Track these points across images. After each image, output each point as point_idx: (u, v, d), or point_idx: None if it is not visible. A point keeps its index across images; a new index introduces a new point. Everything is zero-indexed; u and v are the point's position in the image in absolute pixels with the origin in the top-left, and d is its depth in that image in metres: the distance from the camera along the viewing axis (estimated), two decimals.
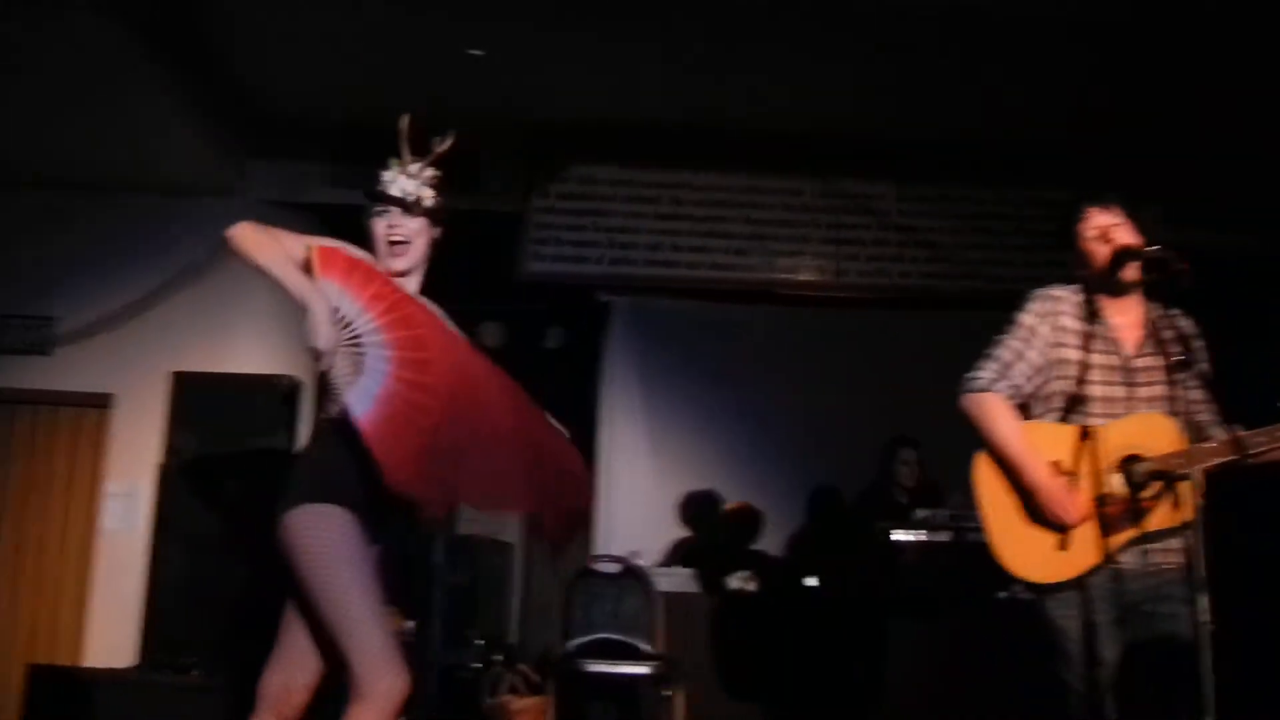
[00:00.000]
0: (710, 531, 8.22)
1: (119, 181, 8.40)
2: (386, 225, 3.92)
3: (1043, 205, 8.57)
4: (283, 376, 7.92)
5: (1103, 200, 4.17)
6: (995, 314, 4.33)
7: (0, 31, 6.54)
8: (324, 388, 3.85)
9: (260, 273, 3.56)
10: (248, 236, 3.61)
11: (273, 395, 7.81)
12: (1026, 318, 4.19)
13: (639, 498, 8.45)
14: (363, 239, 3.95)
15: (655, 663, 6.90)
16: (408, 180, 3.98)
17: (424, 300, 3.99)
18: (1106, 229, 4.11)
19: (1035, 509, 3.95)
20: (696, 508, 8.39)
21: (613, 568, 7.35)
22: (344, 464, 3.67)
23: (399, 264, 3.93)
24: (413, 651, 6.98)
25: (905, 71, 7.38)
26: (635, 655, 7.00)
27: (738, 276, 8.70)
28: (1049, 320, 4.15)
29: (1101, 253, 4.10)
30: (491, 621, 7.93)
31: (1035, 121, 7.88)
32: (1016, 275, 8.29)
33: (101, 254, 8.46)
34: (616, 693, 7.16)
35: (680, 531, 8.38)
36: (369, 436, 3.48)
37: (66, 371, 8.43)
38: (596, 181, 8.75)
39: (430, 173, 4.04)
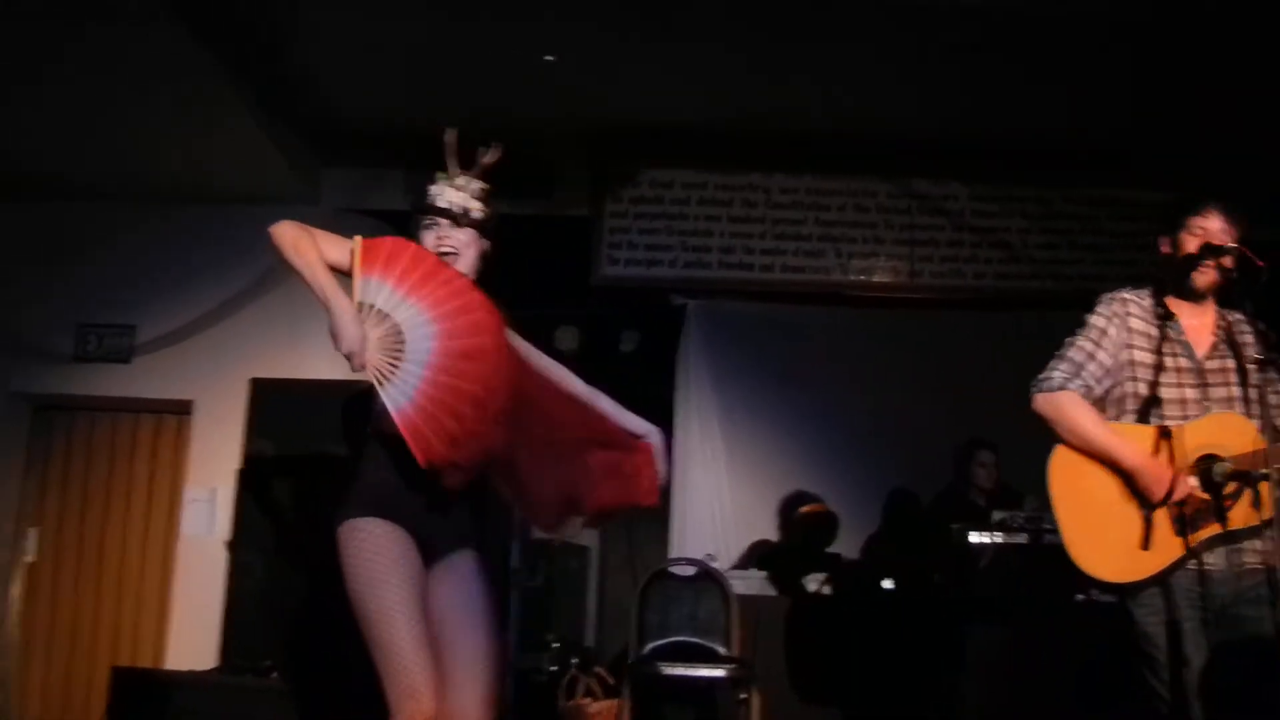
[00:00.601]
0: (786, 534, 8.19)
1: (196, 192, 8.50)
2: (436, 237, 3.95)
3: (1116, 205, 8.54)
4: (360, 381, 7.95)
5: (1230, 212, 4.12)
6: (1070, 314, 4.32)
7: (81, 45, 6.64)
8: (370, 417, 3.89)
9: (292, 271, 3.61)
10: (286, 235, 3.65)
11: (350, 400, 7.86)
12: (1097, 319, 4.18)
13: (714, 500, 8.41)
14: None
15: (732, 666, 6.88)
16: (455, 192, 4.00)
17: None
18: (1212, 234, 4.06)
19: (1117, 504, 3.93)
20: (772, 510, 8.35)
21: (689, 570, 7.35)
22: (389, 474, 3.72)
23: None
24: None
25: (973, 71, 7.32)
26: (712, 658, 6.99)
27: (812, 279, 8.66)
28: (1119, 322, 4.13)
29: (1188, 247, 4.07)
30: (568, 624, 7.94)
31: (1106, 120, 7.82)
32: (1088, 274, 8.24)
33: (180, 263, 8.57)
34: (692, 696, 7.15)
35: (755, 534, 8.35)
36: (404, 429, 3.49)
37: (147, 379, 8.55)
38: (669, 185, 8.75)
39: (478, 185, 4.05)
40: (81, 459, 8.81)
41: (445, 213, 3.96)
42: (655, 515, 8.02)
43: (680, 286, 8.72)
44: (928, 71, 7.37)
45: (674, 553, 7.97)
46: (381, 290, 3.62)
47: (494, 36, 7.08)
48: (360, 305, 3.61)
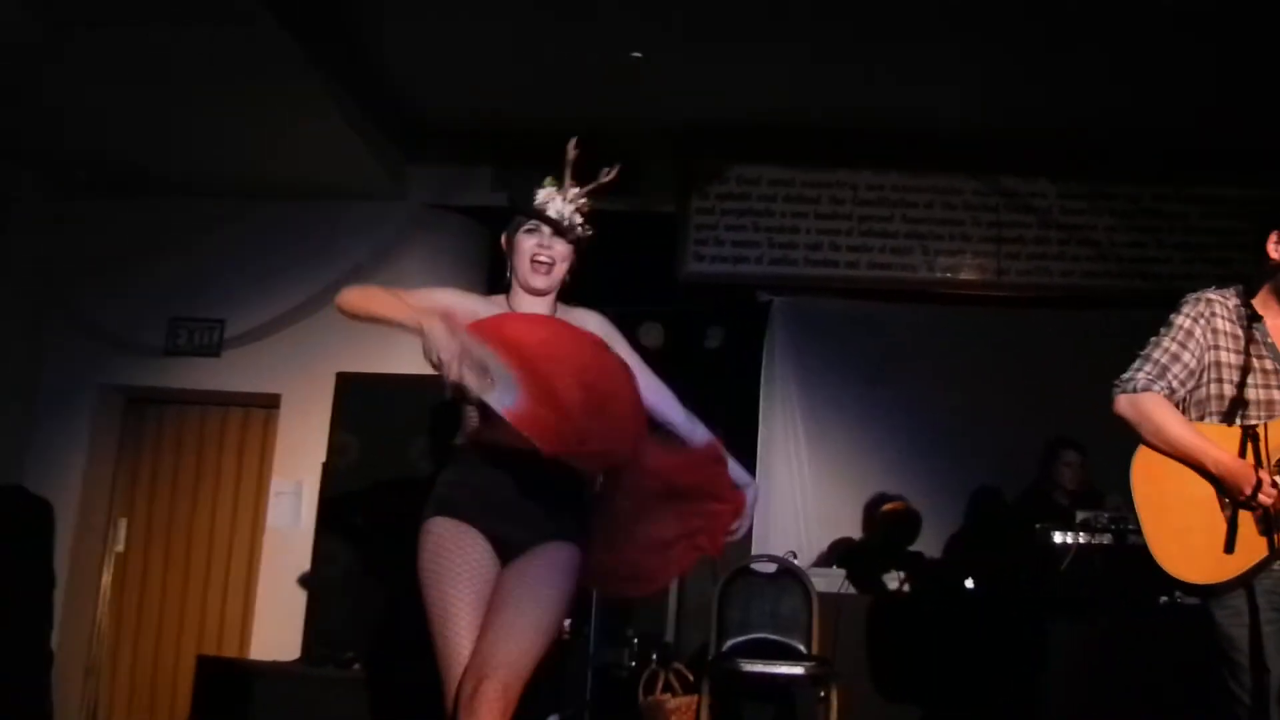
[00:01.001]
0: (868, 532, 8.17)
1: (284, 188, 8.58)
2: (536, 243, 3.91)
3: (1205, 203, 8.43)
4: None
5: None
6: (1158, 313, 4.25)
7: (176, 45, 6.73)
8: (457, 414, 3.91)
9: (375, 322, 3.69)
10: (350, 296, 3.77)
11: (434, 394, 7.90)
12: (1182, 320, 4.09)
13: (796, 497, 8.43)
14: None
15: (812, 664, 6.86)
16: (565, 204, 3.94)
17: (558, 317, 3.98)
18: None
19: (1200, 504, 3.86)
20: (854, 508, 8.33)
21: (770, 567, 7.33)
22: (465, 475, 3.79)
23: (539, 282, 3.93)
24: (569, 650, 7.05)
25: (1060, 67, 7.28)
26: (792, 656, 6.97)
27: (897, 276, 8.62)
28: (1204, 322, 4.05)
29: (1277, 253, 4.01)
30: (648, 620, 7.95)
31: (1194, 116, 7.76)
32: (1177, 274, 8.14)
33: (268, 258, 8.66)
34: (772, 693, 7.14)
35: (837, 532, 8.34)
36: (517, 421, 3.46)
37: (235, 372, 8.66)
38: (756, 182, 8.73)
39: (584, 201, 4.00)
40: (171, 451, 8.95)
41: (553, 222, 3.92)
42: None
43: (766, 283, 8.73)
44: (1015, 69, 7.34)
45: (755, 549, 7.94)
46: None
47: (581, 34, 7.11)
48: None
